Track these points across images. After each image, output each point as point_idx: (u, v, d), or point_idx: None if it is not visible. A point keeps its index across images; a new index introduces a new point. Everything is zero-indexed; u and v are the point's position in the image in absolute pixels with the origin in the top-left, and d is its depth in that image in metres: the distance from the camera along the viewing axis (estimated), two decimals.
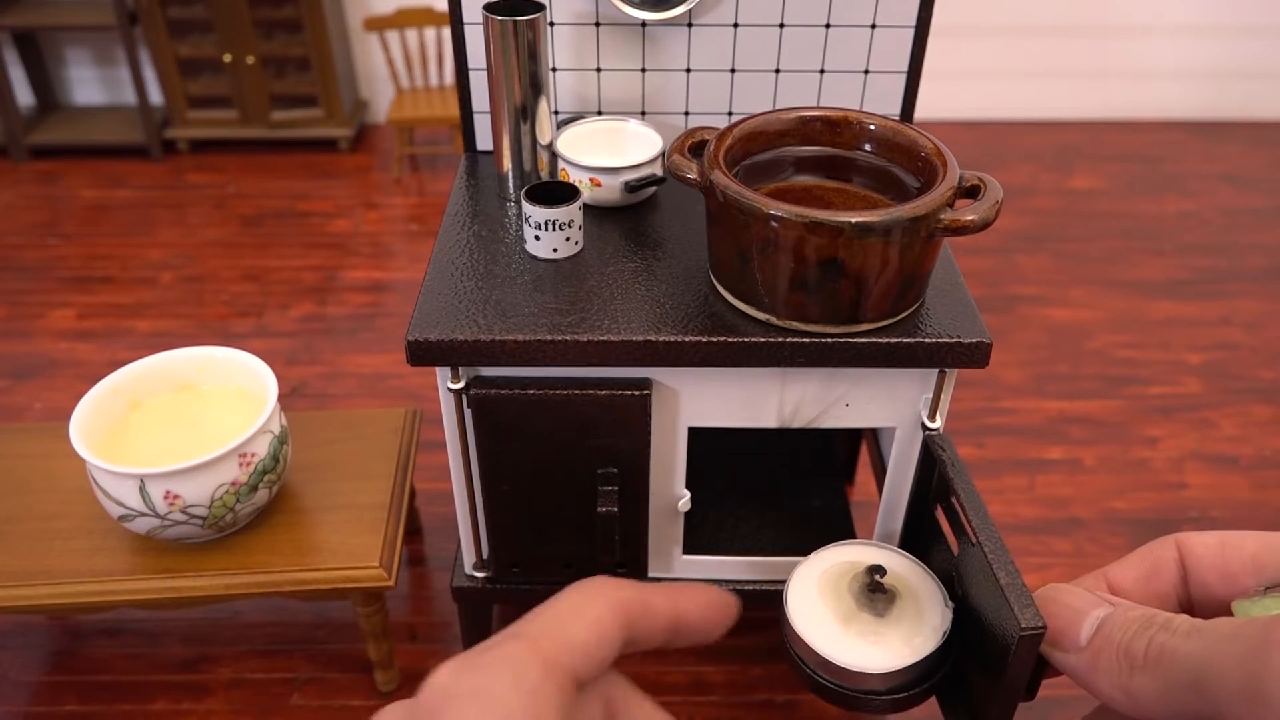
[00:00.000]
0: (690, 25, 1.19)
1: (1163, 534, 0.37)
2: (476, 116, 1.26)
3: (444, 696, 0.25)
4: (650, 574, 1.22)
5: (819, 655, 0.32)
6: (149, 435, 1.22)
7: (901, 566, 0.36)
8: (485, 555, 1.21)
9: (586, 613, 0.29)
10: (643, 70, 1.23)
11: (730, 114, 1.26)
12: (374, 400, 2.02)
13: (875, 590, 0.33)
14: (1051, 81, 3.20)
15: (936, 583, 0.35)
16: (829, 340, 0.96)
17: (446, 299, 1.02)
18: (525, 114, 1.13)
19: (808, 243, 0.88)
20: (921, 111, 1.28)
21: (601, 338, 0.97)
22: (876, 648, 0.32)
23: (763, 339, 0.97)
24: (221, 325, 2.27)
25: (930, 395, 1.04)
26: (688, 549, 1.22)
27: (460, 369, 1.01)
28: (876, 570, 0.33)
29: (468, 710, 0.24)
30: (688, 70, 1.22)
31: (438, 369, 1.03)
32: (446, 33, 2.81)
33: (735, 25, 1.18)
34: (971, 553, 0.90)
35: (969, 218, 0.88)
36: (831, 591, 0.34)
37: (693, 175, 0.95)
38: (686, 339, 0.97)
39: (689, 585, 0.33)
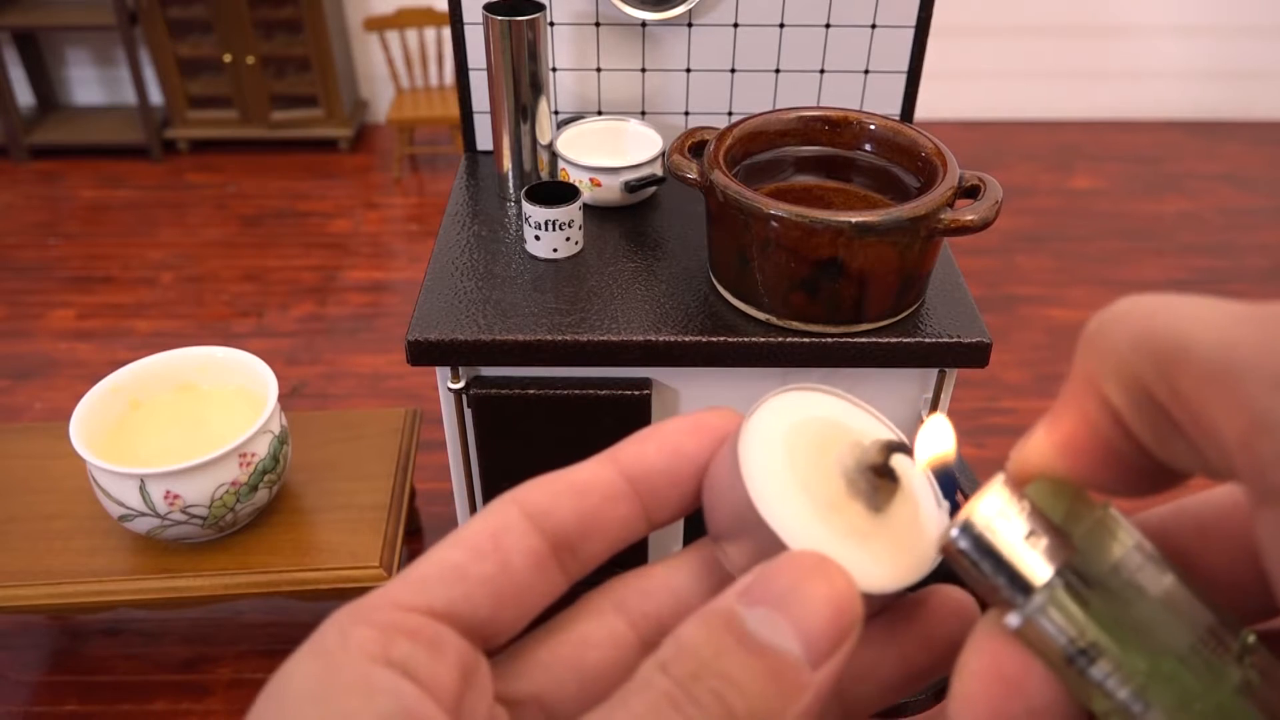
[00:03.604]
0: (690, 25, 1.19)
1: None
2: (476, 116, 1.26)
3: (263, 694, 0.21)
4: None
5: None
6: (149, 435, 1.22)
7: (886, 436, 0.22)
8: None
9: (458, 535, 0.22)
10: (643, 70, 1.23)
11: (730, 114, 1.26)
12: (374, 400, 2.02)
13: (884, 475, 0.22)
14: (1051, 81, 3.20)
15: (928, 475, 0.24)
16: (829, 340, 0.96)
17: (446, 299, 1.02)
18: (525, 114, 1.13)
19: (808, 243, 0.88)
20: (921, 111, 1.28)
21: (601, 338, 0.97)
22: (864, 556, 0.21)
23: (763, 339, 0.97)
24: (221, 325, 2.27)
25: (930, 395, 1.04)
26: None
27: (460, 369, 1.01)
28: (900, 449, 0.22)
29: (270, 688, 0.20)
30: (688, 70, 1.22)
31: (438, 369, 1.03)
32: (446, 33, 2.81)
33: (735, 25, 1.18)
34: None
35: (969, 218, 0.88)
36: (812, 461, 0.22)
37: (693, 175, 0.95)
38: (686, 339, 0.97)
39: (643, 431, 0.24)
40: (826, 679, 0.19)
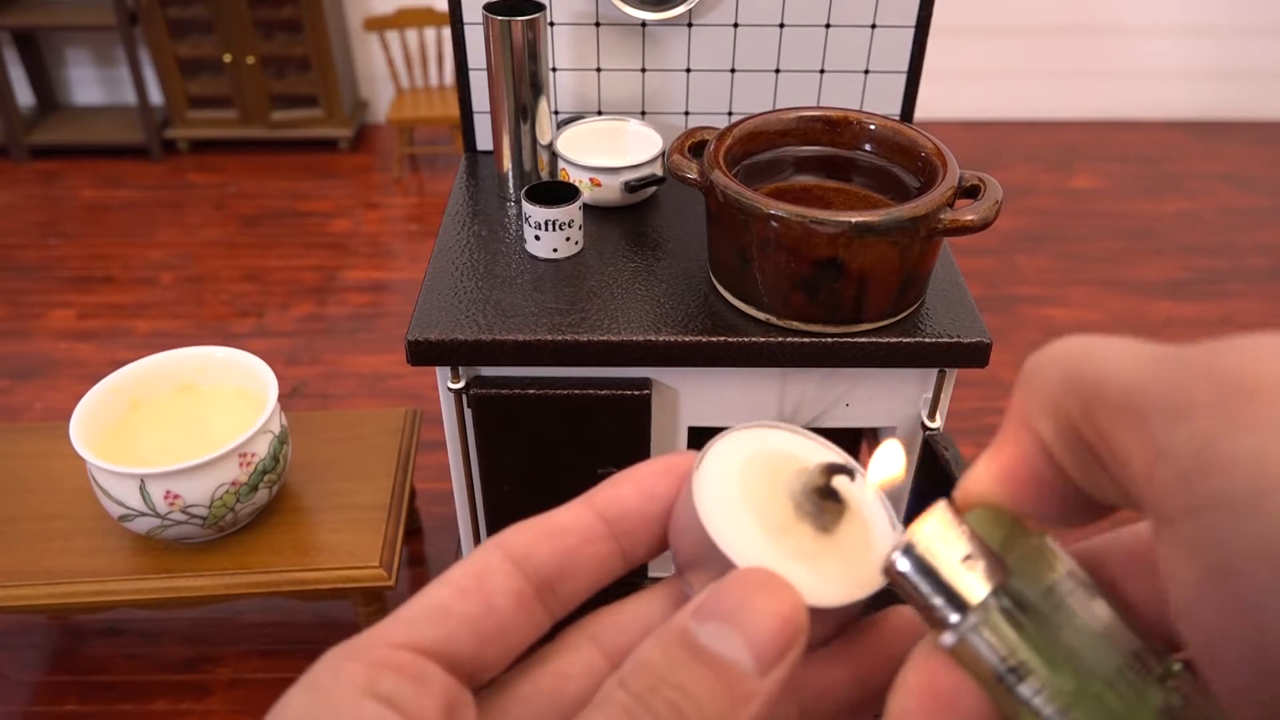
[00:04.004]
0: (690, 25, 1.19)
1: None
2: (476, 116, 1.26)
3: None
4: (650, 575, 1.22)
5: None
6: (149, 435, 1.22)
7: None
8: None
9: (445, 576, 0.23)
10: (643, 70, 1.23)
11: (730, 114, 1.26)
12: (374, 400, 2.02)
13: (829, 496, 0.23)
14: (1051, 81, 3.20)
15: (882, 498, 0.25)
16: (829, 340, 0.96)
17: (446, 299, 1.02)
18: (525, 114, 1.13)
19: (808, 243, 0.88)
20: (921, 111, 1.28)
21: (601, 338, 0.97)
22: (811, 574, 0.22)
23: (763, 339, 0.97)
24: (221, 325, 2.27)
25: (930, 395, 1.04)
26: None
27: (460, 369, 1.01)
28: (841, 470, 0.23)
29: None
30: (688, 70, 1.22)
31: (438, 369, 1.03)
32: (446, 33, 2.81)
33: (735, 25, 1.18)
34: None
35: (969, 218, 0.88)
36: (763, 489, 0.23)
37: (693, 175, 0.95)
38: (686, 339, 0.97)
39: (618, 475, 0.25)
40: (775, 685, 0.20)
